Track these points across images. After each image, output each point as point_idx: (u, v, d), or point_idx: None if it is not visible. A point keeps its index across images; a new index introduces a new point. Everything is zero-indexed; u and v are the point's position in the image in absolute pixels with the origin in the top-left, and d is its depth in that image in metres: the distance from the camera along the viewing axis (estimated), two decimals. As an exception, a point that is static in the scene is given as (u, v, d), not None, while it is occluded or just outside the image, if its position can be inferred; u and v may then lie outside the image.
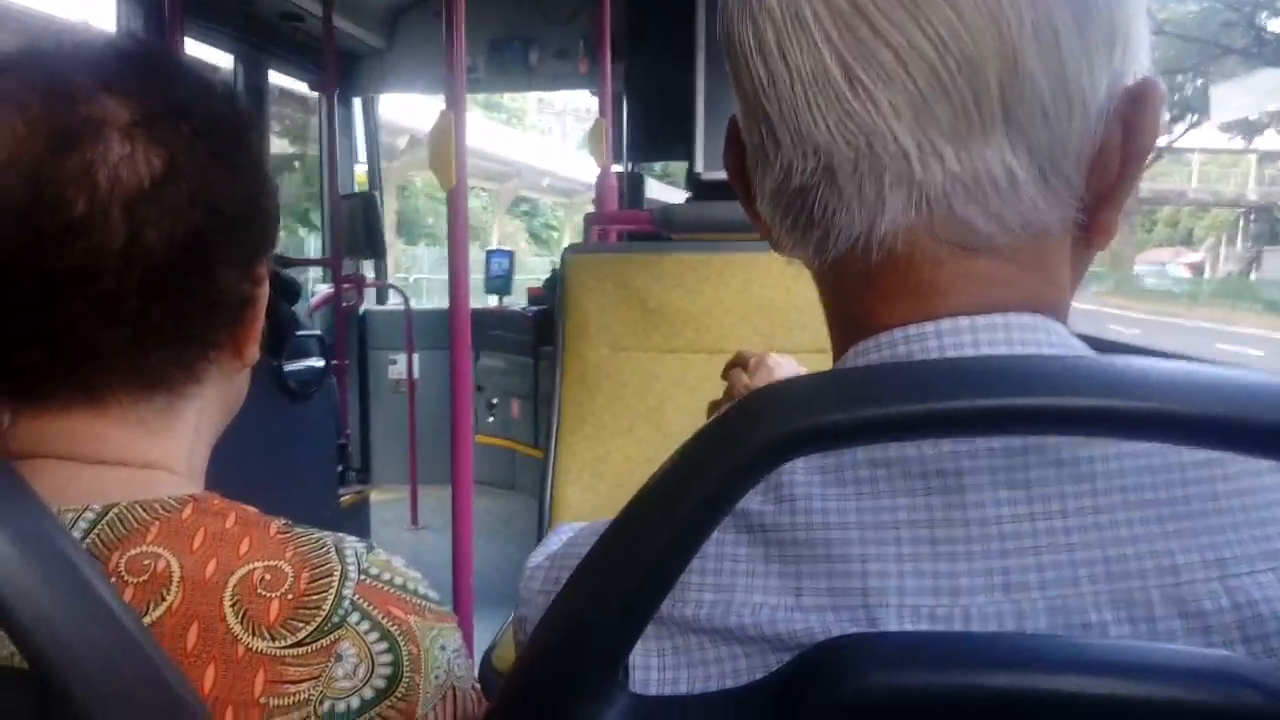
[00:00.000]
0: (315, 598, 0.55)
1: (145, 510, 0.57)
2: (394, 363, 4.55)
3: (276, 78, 4.13)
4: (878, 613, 0.40)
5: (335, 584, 0.56)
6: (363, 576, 0.57)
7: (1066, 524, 0.40)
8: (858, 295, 0.45)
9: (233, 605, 0.54)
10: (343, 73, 4.35)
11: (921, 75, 0.39)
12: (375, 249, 4.06)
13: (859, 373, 0.35)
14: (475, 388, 4.62)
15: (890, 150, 0.40)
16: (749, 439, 0.33)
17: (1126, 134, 0.42)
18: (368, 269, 4.73)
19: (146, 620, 0.52)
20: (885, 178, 0.41)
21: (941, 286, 0.43)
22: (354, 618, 0.55)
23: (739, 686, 0.41)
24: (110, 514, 0.56)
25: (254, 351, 0.66)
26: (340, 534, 0.60)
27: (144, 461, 0.60)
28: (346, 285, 4.04)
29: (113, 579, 0.53)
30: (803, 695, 0.36)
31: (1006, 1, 0.39)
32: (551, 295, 2.89)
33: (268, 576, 0.55)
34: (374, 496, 4.02)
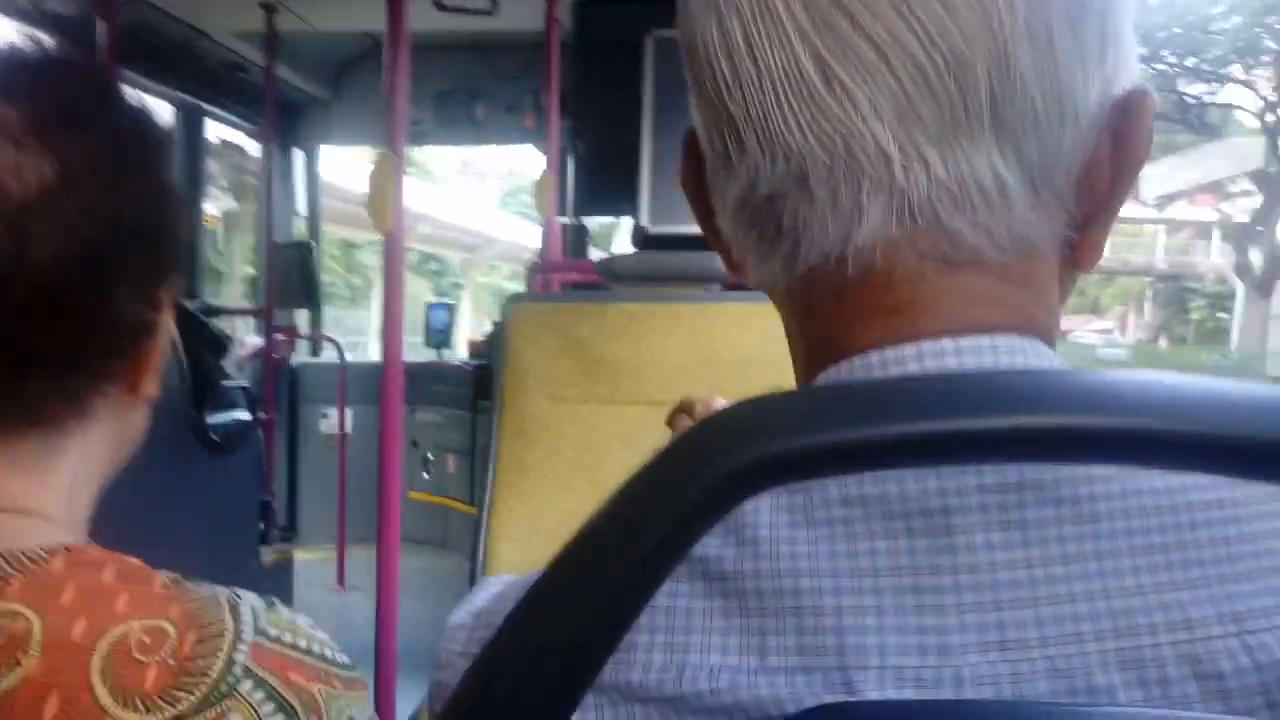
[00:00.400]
0: (202, 663, 0.49)
1: (7, 561, 0.50)
2: (326, 417, 4.44)
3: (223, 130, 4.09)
4: (856, 675, 0.35)
5: (226, 647, 0.50)
6: (259, 638, 0.51)
7: (1068, 571, 0.36)
8: (828, 315, 0.41)
9: (102, 672, 0.47)
10: (285, 123, 4.31)
11: (905, 72, 0.36)
12: (311, 299, 3.97)
13: (835, 390, 0.30)
14: (410, 443, 4.53)
15: (870, 154, 0.37)
16: (705, 470, 0.28)
17: (1117, 146, 0.39)
18: (300, 320, 4.63)
19: None
20: (864, 184, 0.37)
21: (923, 304, 0.39)
22: (246, 685, 0.49)
23: None
24: None
25: (152, 387, 0.60)
26: (238, 590, 0.54)
27: (13, 506, 0.54)
28: (279, 336, 3.93)
29: None
30: None
31: None
32: (492, 350, 2.84)
33: (146, 639, 0.49)
34: (300, 556, 3.88)
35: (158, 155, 0.58)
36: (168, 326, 0.60)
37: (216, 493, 2.68)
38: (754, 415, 0.29)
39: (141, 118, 0.59)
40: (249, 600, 0.53)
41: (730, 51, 0.39)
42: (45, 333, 0.52)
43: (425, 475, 4.51)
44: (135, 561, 0.54)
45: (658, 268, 1.87)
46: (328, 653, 0.53)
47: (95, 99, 0.57)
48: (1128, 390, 0.27)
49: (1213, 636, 0.35)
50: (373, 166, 1.55)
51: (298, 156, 4.67)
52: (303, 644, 0.52)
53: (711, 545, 0.38)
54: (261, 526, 3.28)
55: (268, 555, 3.21)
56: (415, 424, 4.51)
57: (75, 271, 0.52)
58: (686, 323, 1.80)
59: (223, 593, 0.53)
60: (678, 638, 0.37)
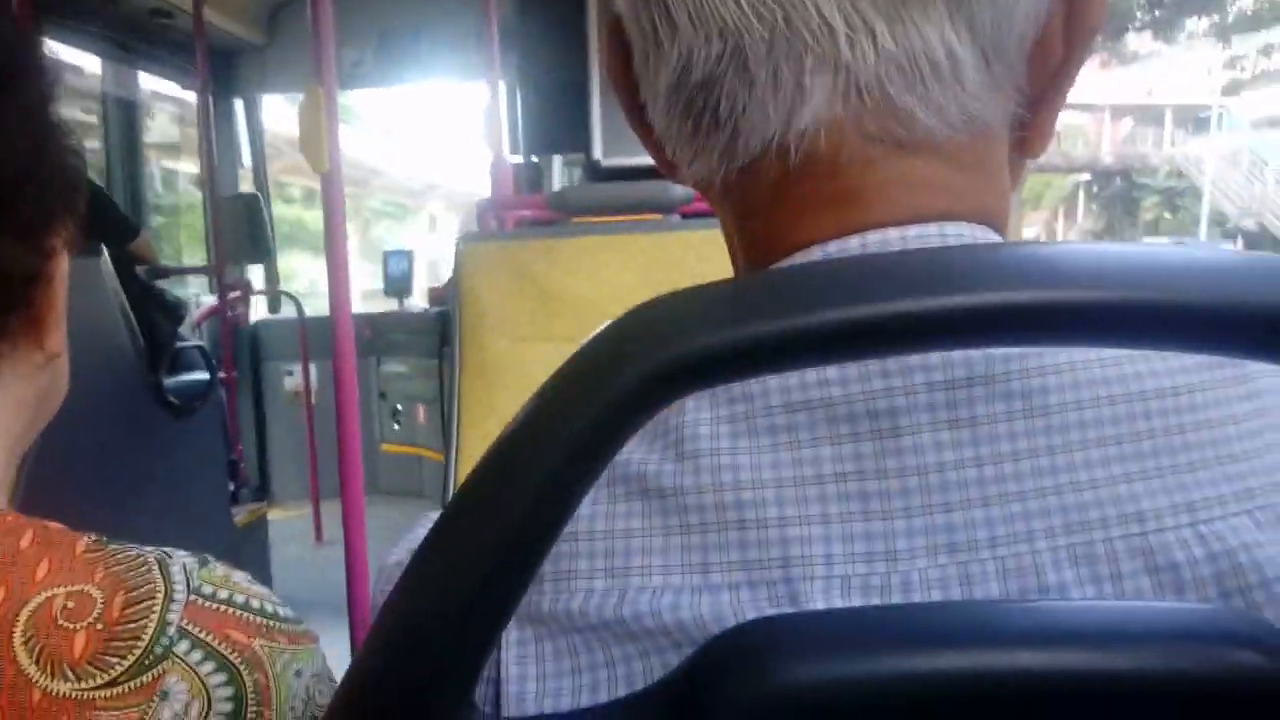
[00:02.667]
0: (133, 626, 0.47)
1: None
2: (290, 374, 4.38)
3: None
4: (800, 586, 0.34)
5: (158, 608, 0.47)
6: (193, 597, 0.49)
7: (1018, 468, 0.35)
8: (769, 210, 0.39)
9: (25, 642, 0.45)
10: (220, 72, 4.17)
11: None
12: (261, 253, 3.88)
13: (768, 279, 0.27)
14: (379, 395, 4.50)
15: (812, 27, 0.34)
16: (618, 375, 0.25)
17: (1069, 16, 0.37)
18: (257, 277, 4.54)
19: None
20: (806, 61, 0.35)
21: (871, 193, 0.37)
22: (182, 646, 0.47)
23: (636, 693, 0.34)
24: None
25: (58, 340, 0.56)
26: (168, 549, 0.52)
27: None
28: (232, 293, 3.85)
29: None
30: (707, 698, 0.30)
31: None
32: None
33: (70, 604, 0.46)
34: (274, 514, 3.86)
35: (35, 85, 0.53)
36: (64, 274, 0.56)
37: (181, 456, 2.65)
38: (673, 312, 0.26)
39: (14, 45, 0.53)
40: (179, 558, 0.51)
41: None
42: None
43: (396, 426, 4.50)
44: (57, 526, 0.51)
45: (612, 199, 1.83)
46: (268, 607, 0.51)
47: None
48: (1089, 261, 0.25)
49: (1165, 528, 0.34)
50: (301, 105, 1.48)
51: (238, 106, 4.53)
52: (240, 599, 0.50)
53: (651, 461, 0.37)
54: (231, 487, 3.25)
55: (240, 515, 3.18)
56: (382, 375, 4.48)
57: None
58: (643, 253, 1.77)
59: (151, 552, 0.51)
60: (618, 561, 0.36)
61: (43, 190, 0.53)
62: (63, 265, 0.55)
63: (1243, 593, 0.34)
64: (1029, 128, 0.39)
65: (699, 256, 1.77)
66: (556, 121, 3.06)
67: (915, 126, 0.36)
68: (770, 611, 0.34)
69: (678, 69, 0.37)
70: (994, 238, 0.38)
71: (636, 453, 0.37)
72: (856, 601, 0.34)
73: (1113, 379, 0.36)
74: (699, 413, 0.37)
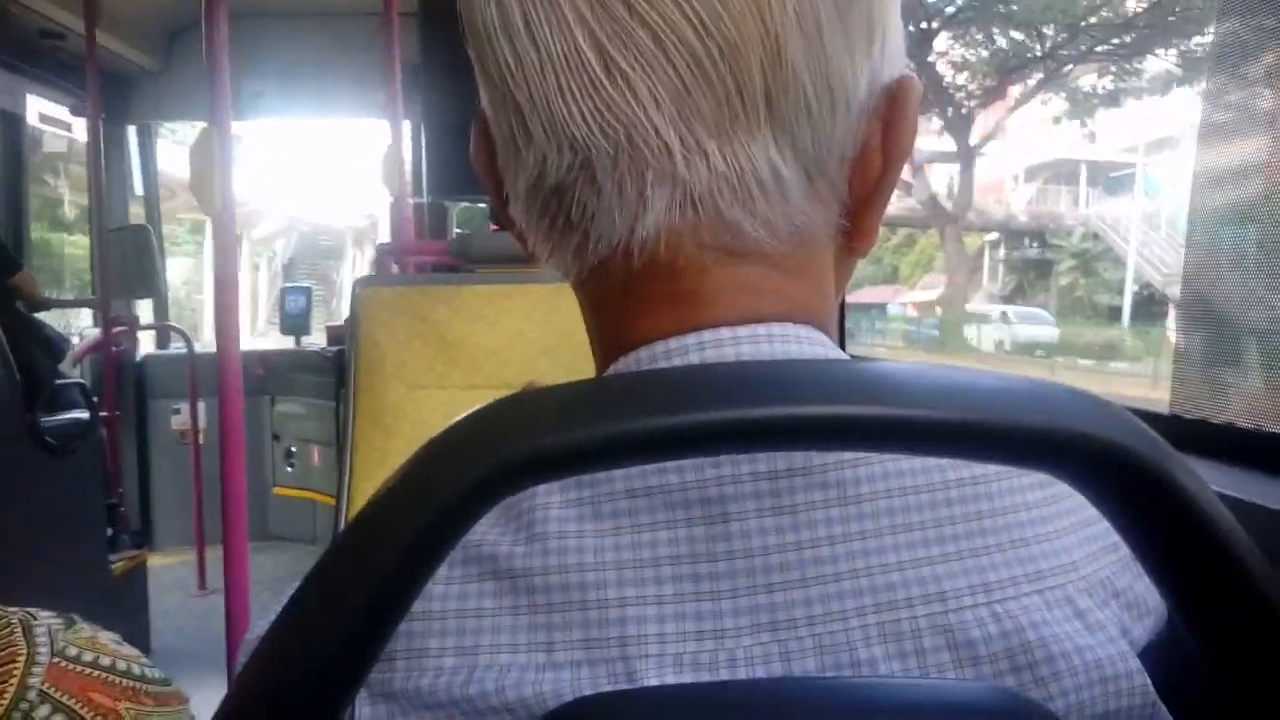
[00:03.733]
0: None
1: None
2: (177, 412, 4.21)
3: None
4: (636, 664, 0.37)
5: (19, 671, 0.47)
6: (57, 659, 0.48)
7: (834, 551, 0.38)
8: (618, 307, 0.42)
9: None
10: (114, 97, 4.04)
11: (682, 61, 0.36)
12: (151, 287, 3.75)
13: (593, 386, 0.29)
14: (272, 435, 4.36)
15: (652, 145, 0.37)
16: (456, 474, 0.27)
17: (886, 133, 0.41)
18: (145, 311, 4.37)
19: None
20: (647, 175, 0.38)
21: (705, 295, 0.40)
22: (43, 711, 0.47)
23: None
24: None
25: None
26: (34, 610, 0.51)
27: None
28: (118, 328, 3.70)
29: None
30: None
31: None
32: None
33: None
34: (156, 560, 3.70)
35: None
36: None
37: (58, 499, 2.52)
38: (512, 414, 0.29)
39: None
40: (44, 619, 0.50)
41: (511, 35, 0.38)
42: None
43: (289, 469, 4.36)
44: None
45: (515, 246, 1.83)
46: (135, 668, 0.51)
47: None
48: (861, 379, 0.29)
49: (964, 607, 0.38)
50: (194, 144, 1.44)
51: (131, 134, 4.39)
52: (106, 661, 0.49)
53: (504, 543, 0.39)
54: (110, 532, 3.10)
55: (118, 561, 3.03)
56: (276, 415, 4.35)
57: None
58: (545, 302, 1.77)
59: (14, 613, 0.50)
60: (468, 640, 0.38)
61: None
62: None
63: (1030, 668, 0.37)
64: (852, 233, 0.42)
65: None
66: (460, 164, 3.05)
67: (744, 237, 0.39)
68: (607, 688, 0.36)
69: (534, 174, 0.40)
70: (816, 335, 0.41)
71: (490, 534, 0.39)
72: (687, 677, 0.36)
73: (919, 470, 0.39)
74: (549, 496, 0.39)
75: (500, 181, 0.44)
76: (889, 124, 0.41)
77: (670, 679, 0.36)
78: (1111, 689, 0.39)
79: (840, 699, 0.33)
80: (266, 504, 4.27)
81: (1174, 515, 0.29)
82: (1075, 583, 0.40)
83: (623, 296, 0.41)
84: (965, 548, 0.39)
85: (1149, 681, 0.39)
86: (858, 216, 0.42)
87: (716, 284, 0.40)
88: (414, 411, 1.76)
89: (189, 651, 3.09)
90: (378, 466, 1.74)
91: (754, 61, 0.36)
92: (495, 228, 2.74)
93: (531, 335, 1.76)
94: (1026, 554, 0.39)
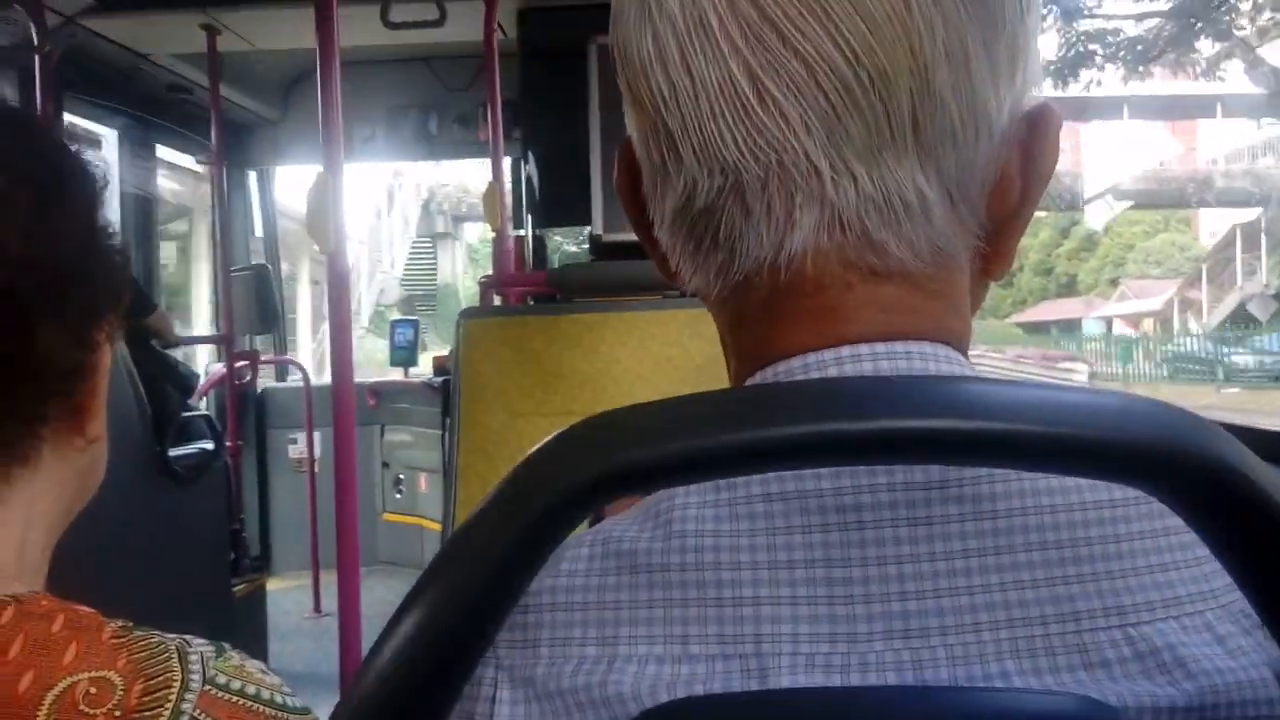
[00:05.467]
0: (149, 714, 0.49)
1: None
2: (294, 442, 4.39)
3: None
4: (769, 662, 0.37)
5: (174, 696, 0.50)
6: (208, 686, 0.51)
7: (968, 565, 0.38)
8: (758, 323, 0.43)
9: None
10: (235, 145, 4.27)
11: (833, 88, 0.38)
12: (269, 323, 3.93)
13: (700, 400, 0.31)
14: (382, 463, 4.49)
15: (802, 168, 0.39)
16: (556, 481, 0.30)
17: (1026, 160, 0.42)
18: (266, 345, 4.58)
19: None
20: (796, 197, 0.39)
21: (847, 312, 0.41)
22: None
23: None
24: None
25: (99, 426, 0.59)
26: (189, 637, 0.54)
27: None
28: (240, 362, 3.89)
29: None
30: None
31: (919, 17, 0.38)
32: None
33: (93, 690, 0.49)
34: (274, 584, 3.84)
35: (82, 193, 0.57)
36: (106, 366, 0.59)
37: (183, 525, 2.65)
38: (614, 425, 0.31)
39: (64, 155, 0.58)
40: (198, 647, 0.53)
41: (665, 65, 0.40)
42: None
43: (398, 495, 4.48)
44: (87, 611, 0.53)
45: (609, 277, 1.87)
46: (278, 698, 0.54)
47: (9, 139, 0.56)
48: (995, 396, 0.30)
49: (1098, 628, 0.38)
50: (311, 187, 1.52)
51: (251, 178, 4.62)
52: (252, 690, 0.52)
53: (643, 540, 0.40)
54: (232, 556, 3.25)
55: (239, 585, 3.17)
56: (385, 444, 4.48)
57: None
58: (639, 330, 1.80)
59: (172, 640, 0.53)
60: (608, 630, 0.39)
61: (89, 289, 0.56)
62: (106, 358, 0.58)
63: (1167, 673, 0.37)
64: (989, 257, 0.43)
65: (693, 333, 1.79)
66: (558, 197, 3.12)
67: (888, 257, 0.40)
68: (738, 684, 0.37)
69: (683, 197, 0.42)
70: (953, 355, 0.42)
71: (630, 531, 0.41)
72: (819, 678, 0.37)
73: (1056, 490, 0.39)
74: (688, 498, 0.40)
75: (644, 206, 0.45)
76: (1028, 151, 0.42)
77: (802, 679, 0.37)
78: (1251, 712, 0.38)
79: (964, 706, 0.34)
80: (377, 529, 4.40)
81: (1263, 527, 0.29)
82: (1215, 610, 0.39)
83: (764, 312, 0.42)
84: (1101, 569, 0.39)
85: None
86: (996, 240, 0.43)
87: (859, 301, 0.41)
88: (515, 439, 1.80)
89: (305, 671, 3.21)
90: (481, 491, 1.78)
91: (903, 89, 0.38)
92: (594, 258, 2.80)
93: (627, 362, 1.79)
94: (1164, 579, 0.39)
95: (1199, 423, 0.30)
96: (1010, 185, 0.42)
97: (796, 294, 0.41)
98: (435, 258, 18.39)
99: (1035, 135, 0.42)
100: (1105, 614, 0.38)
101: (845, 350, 0.41)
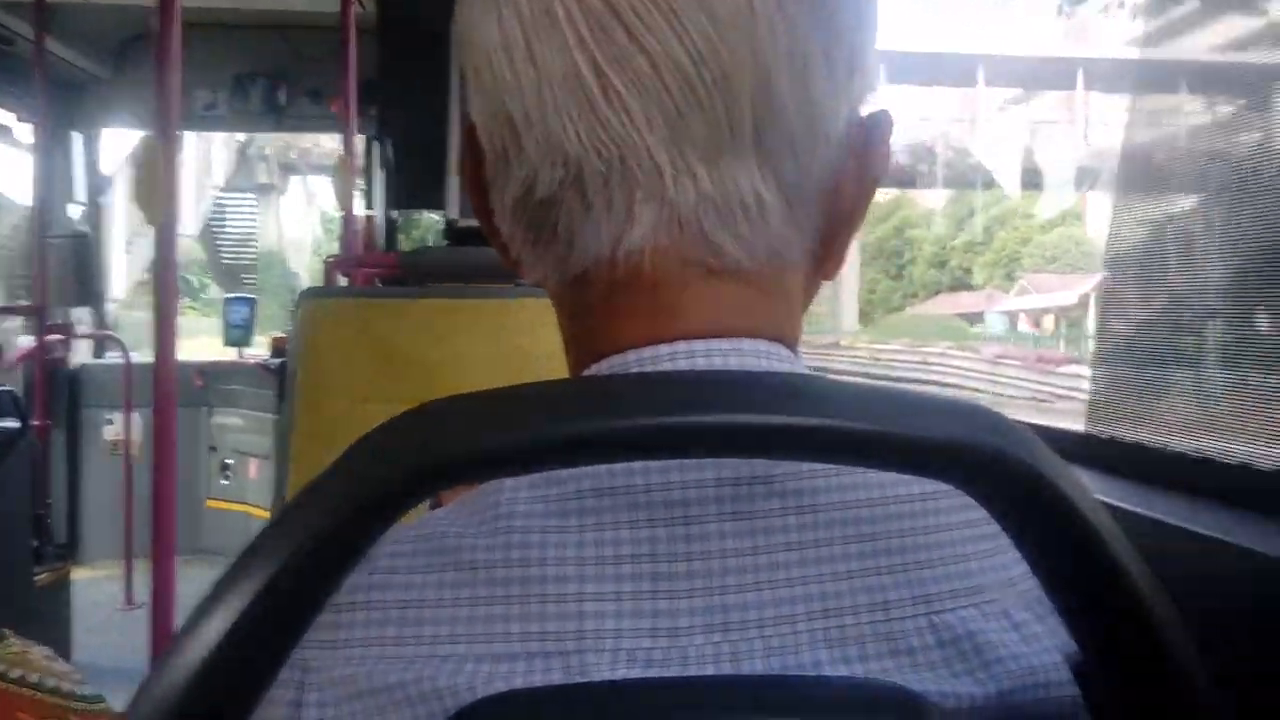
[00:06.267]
0: None
1: None
2: (110, 423, 4.11)
3: None
4: (590, 658, 0.38)
5: None
6: None
7: (789, 558, 0.40)
8: (595, 316, 0.43)
9: None
10: (61, 103, 3.96)
11: (677, 87, 0.38)
12: (88, 295, 3.67)
13: (511, 396, 0.31)
14: (208, 448, 4.27)
15: (644, 165, 0.39)
16: (380, 470, 0.29)
17: (860, 164, 0.43)
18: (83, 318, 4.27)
19: None
20: (637, 194, 0.39)
21: (682, 309, 0.42)
22: None
23: None
24: None
25: None
26: None
27: None
28: (53, 335, 3.61)
29: None
30: None
31: (762, 22, 0.38)
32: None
33: None
34: (84, 574, 3.60)
35: None
36: None
37: (-19, 509, 2.44)
38: (445, 414, 0.30)
39: None
40: None
41: (510, 52, 0.40)
42: None
43: (224, 482, 4.27)
44: None
45: (464, 263, 1.83)
46: (65, 685, 0.50)
47: None
48: (814, 393, 0.31)
49: (905, 616, 0.40)
50: (139, 151, 1.42)
51: (77, 140, 4.30)
52: (34, 678, 0.49)
53: (467, 535, 0.40)
54: (35, 543, 3.01)
55: (42, 574, 2.94)
56: (213, 427, 4.26)
57: None
58: (493, 318, 1.77)
59: None
60: (426, 629, 0.39)
61: None
62: None
63: (964, 660, 0.40)
64: (824, 257, 0.45)
65: (544, 324, 1.77)
66: (414, 178, 3.05)
67: (724, 257, 0.41)
68: (559, 680, 0.38)
69: (523, 187, 0.41)
70: (784, 353, 0.43)
71: (454, 525, 0.41)
72: (638, 671, 0.38)
73: (873, 484, 0.42)
74: (517, 492, 0.40)
75: (485, 190, 0.45)
76: (863, 156, 0.43)
77: (622, 673, 0.38)
78: (1043, 694, 0.41)
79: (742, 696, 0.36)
80: (200, 517, 4.17)
81: (1050, 516, 0.31)
82: (1012, 598, 0.42)
83: (601, 307, 0.43)
84: (910, 560, 0.41)
85: (1080, 693, 0.41)
86: (830, 241, 0.44)
87: (694, 299, 0.42)
88: (358, 426, 1.71)
89: (111, 668, 3.01)
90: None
91: (745, 92, 0.38)
92: (449, 243, 2.75)
93: (480, 351, 1.76)
94: (967, 568, 0.42)
95: (1002, 423, 0.31)
96: (845, 190, 0.43)
97: (633, 290, 0.41)
98: (256, 217, 14.38)
99: (870, 141, 0.43)
100: (913, 602, 0.40)
101: (680, 346, 0.41)
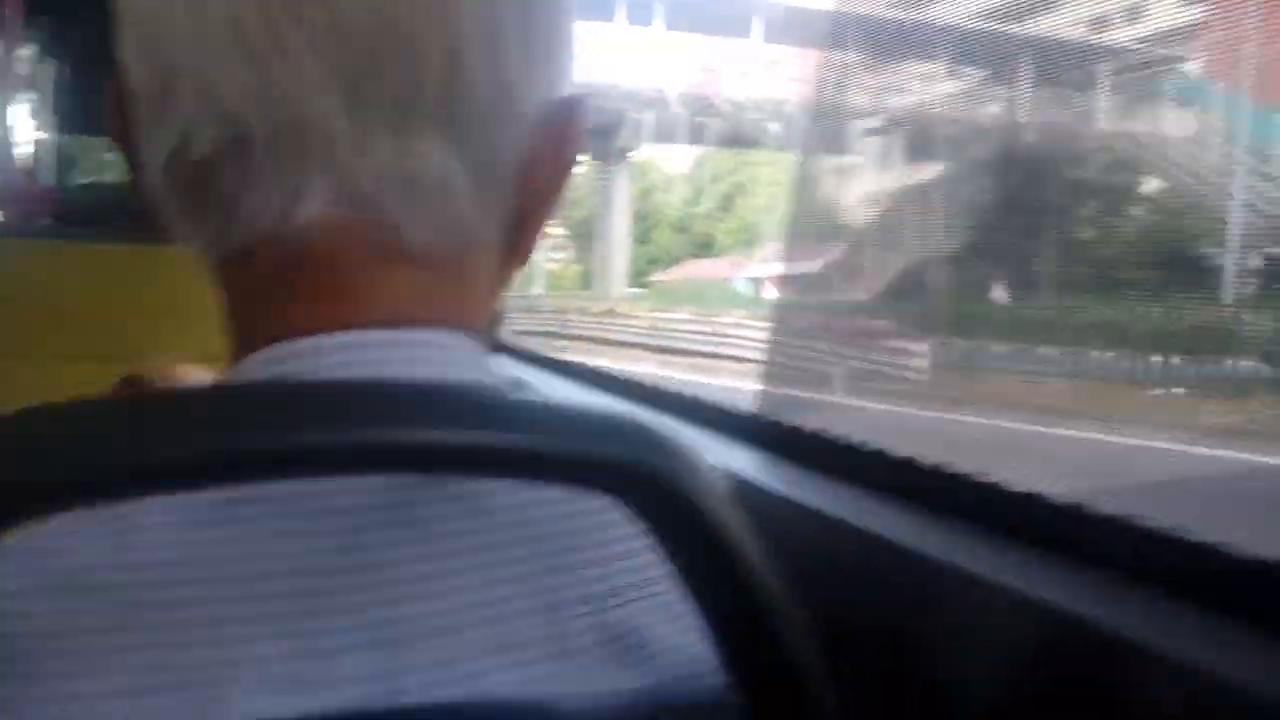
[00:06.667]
0: None
1: None
2: None
3: None
4: (229, 690, 0.34)
5: None
6: None
7: (460, 564, 0.38)
8: (262, 296, 0.40)
9: None
10: None
11: (358, 49, 0.35)
12: None
13: (148, 403, 0.29)
14: None
15: (315, 131, 0.36)
16: None
17: (553, 148, 0.42)
18: None
19: None
20: (307, 162, 0.36)
21: (356, 293, 0.39)
22: None
23: None
24: None
25: None
26: None
27: None
28: None
29: None
30: None
31: None
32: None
33: None
34: None
35: None
36: None
37: None
38: (51, 429, 0.27)
39: None
40: None
41: None
42: None
43: None
44: None
45: (126, 204, 1.65)
46: None
47: None
48: (469, 408, 0.30)
49: (575, 616, 0.39)
50: None
51: None
52: None
53: (85, 552, 0.35)
54: None
55: None
56: None
57: None
58: (166, 270, 1.61)
59: None
60: (34, 666, 0.34)
61: None
62: None
63: (635, 665, 0.40)
64: (516, 241, 0.43)
65: (196, 277, 1.64)
66: (90, 102, 2.71)
67: (405, 237, 0.38)
68: (192, 713, 0.34)
69: (178, 141, 0.37)
70: (464, 342, 0.41)
71: (73, 540, 0.35)
72: (286, 698, 0.34)
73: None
74: (152, 502, 0.35)
75: (136, 143, 0.40)
76: (556, 140, 0.42)
77: (269, 703, 0.34)
78: (698, 683, 0.41)
79: None
80: None
81: (696, 540, 0.33)
82: (673, 592, 0.41)
83: (268, 286, 0.39)
84: (578, 560, 0.40)
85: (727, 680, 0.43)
86: (523, 226, 0.43)
87: (369, 282, 0.39)
88: (2, 384, 1.53)
89: None
90: None
91: (433, 62, 0.36)
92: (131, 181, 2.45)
93: (150, 303, 1.60)
94: (632, 565, 0.41)
95: (663, 441, 0.32)
96: (538, 172, 0.42)
97: (302, 269, 0.38)
98: None
99: (564, 124, 0.42)
100: (583, 602, 0.39)
101: (354, 335, 0.38)
